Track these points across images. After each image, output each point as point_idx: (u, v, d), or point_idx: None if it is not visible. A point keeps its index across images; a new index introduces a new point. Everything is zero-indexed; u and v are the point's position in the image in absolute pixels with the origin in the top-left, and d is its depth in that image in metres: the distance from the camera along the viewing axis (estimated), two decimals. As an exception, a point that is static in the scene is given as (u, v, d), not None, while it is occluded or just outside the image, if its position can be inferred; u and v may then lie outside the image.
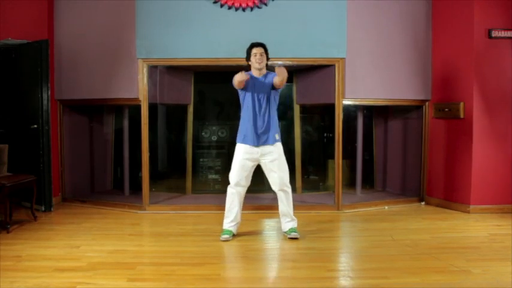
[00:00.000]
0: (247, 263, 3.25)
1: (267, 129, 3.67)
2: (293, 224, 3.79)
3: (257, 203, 4.81)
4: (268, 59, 3.73)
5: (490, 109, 4.66)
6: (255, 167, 3.75)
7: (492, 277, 2.90)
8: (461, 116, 4.73)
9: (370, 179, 5.79)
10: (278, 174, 3.69)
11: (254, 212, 4.64)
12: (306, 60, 4.78)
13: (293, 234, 3.72)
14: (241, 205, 3.80)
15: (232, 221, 3.76)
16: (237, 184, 3.72)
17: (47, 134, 4.66)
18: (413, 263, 3.17)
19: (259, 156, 3.68)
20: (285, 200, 3.76)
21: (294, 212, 3.82)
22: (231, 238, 3.72)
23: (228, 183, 3.77)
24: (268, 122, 3.67)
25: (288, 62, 4.70)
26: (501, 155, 4.68)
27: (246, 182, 3.75)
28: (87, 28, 4.91)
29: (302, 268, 3.12)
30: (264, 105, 3.67)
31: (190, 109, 5.52)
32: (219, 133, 5.96)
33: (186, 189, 5.48)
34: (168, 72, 5.15)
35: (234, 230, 3.79)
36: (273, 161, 3.68)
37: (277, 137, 3.71)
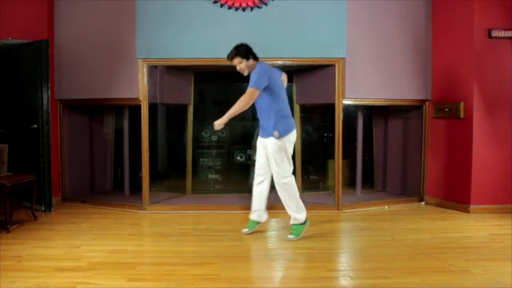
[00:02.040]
0: (247, 263, 3.25)
1: (263, 123, 3.75)
2: (292, 221, 3.79)
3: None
4: (248, 58, 3.66)
5: (490, 109, 4.66)
6: (265, 157, 3.79)
7: (492, 277, 2.90)
8: (461, 116, 4.73)
9: (370, 179, 5.79)
10: (272, 167, 3.76)
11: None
12: (306, 60, 4.78)
13: (289, 237, 3.73)
14: (261, 195, 3.86)
15: (253, 210, 3.89)
16: (256, 174, 3.86)
17: (47, 134, 4.66)
18: (413, 263, 3.17)
19: (264, 146, 3.79)
20: (280, 195, 3.80)
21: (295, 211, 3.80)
22: (250, 231, 3.87)
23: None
24: (261, 116, 3.75)
25: (288, 62, 4.70)
26: (501, 155, 4.68)
27: (261, 171, 3.84)
28: (87, 28, 4.91)
29: (302, 268, 3.12)
30: (259, 100, 3.68)
31: (190, 109, 5.52)
32: (219, 133, 5.96)
33: (186, 189, 5.49)
34: (168, 72, 5.15)
35: (254, 217, 3.88)
36: (268, 154, 3.75)
37: (275, 133, 3.65)
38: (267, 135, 3.71)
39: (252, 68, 3.68)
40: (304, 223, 3.78)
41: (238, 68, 3.72)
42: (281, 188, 3.74)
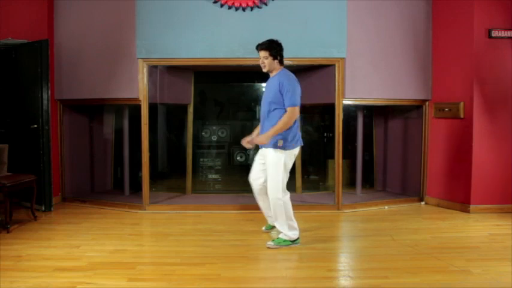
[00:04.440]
0: (247, 263, 3.25)
1: (264, 132, 3.58)
2: (282, 235, 3.62)
3: (256, 203, 4.79)
4: (275, 58, 3.56)
5: (490, 109, 4.66)
6: (264, 166, 3.65)
7: (492, 277, 2.90)
8: (461, 116, 4.73)
9: (370, 179, 5.79)
10: (267, 179, 3.60)
11: (253, 212, 4.63)
12: (306, 60, 4.78)
13: (268, 244, 3.58)
14: (261, 201, 3.85)
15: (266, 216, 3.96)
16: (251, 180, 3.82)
17: (47, 134, 4.66)
18: (413, 263, 3.17)
19: (263, 156, 3.64)
20: (271, 210, 3.65)
21: (294, 213, 3.69)
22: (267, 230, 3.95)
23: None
24: (265, 125, 3.59)
25: (288, 62, 4.69)
26: (501, 155, 4.68)
27: (254, 176, 3.78)
28: (87, 28, 4.91)
29: (302, 268, 3.12)
30: (265, 108, 3.59)
31: (190, 109, 5.52)
32: (219, 133, 5.96)
33: (186, 189, 5.49)
34: (168, 72, 5.15)
35: (269, 221, 3.95)
36: (265, 165, 3.63)
37: (279, 142, 3.48)
38: (268, 145, 3.52)
39: (273, 69, 3.60)
40: (293, 241, 3.60)
41: (261, 60, 3.61)
42: (275, 203, 3.57)
